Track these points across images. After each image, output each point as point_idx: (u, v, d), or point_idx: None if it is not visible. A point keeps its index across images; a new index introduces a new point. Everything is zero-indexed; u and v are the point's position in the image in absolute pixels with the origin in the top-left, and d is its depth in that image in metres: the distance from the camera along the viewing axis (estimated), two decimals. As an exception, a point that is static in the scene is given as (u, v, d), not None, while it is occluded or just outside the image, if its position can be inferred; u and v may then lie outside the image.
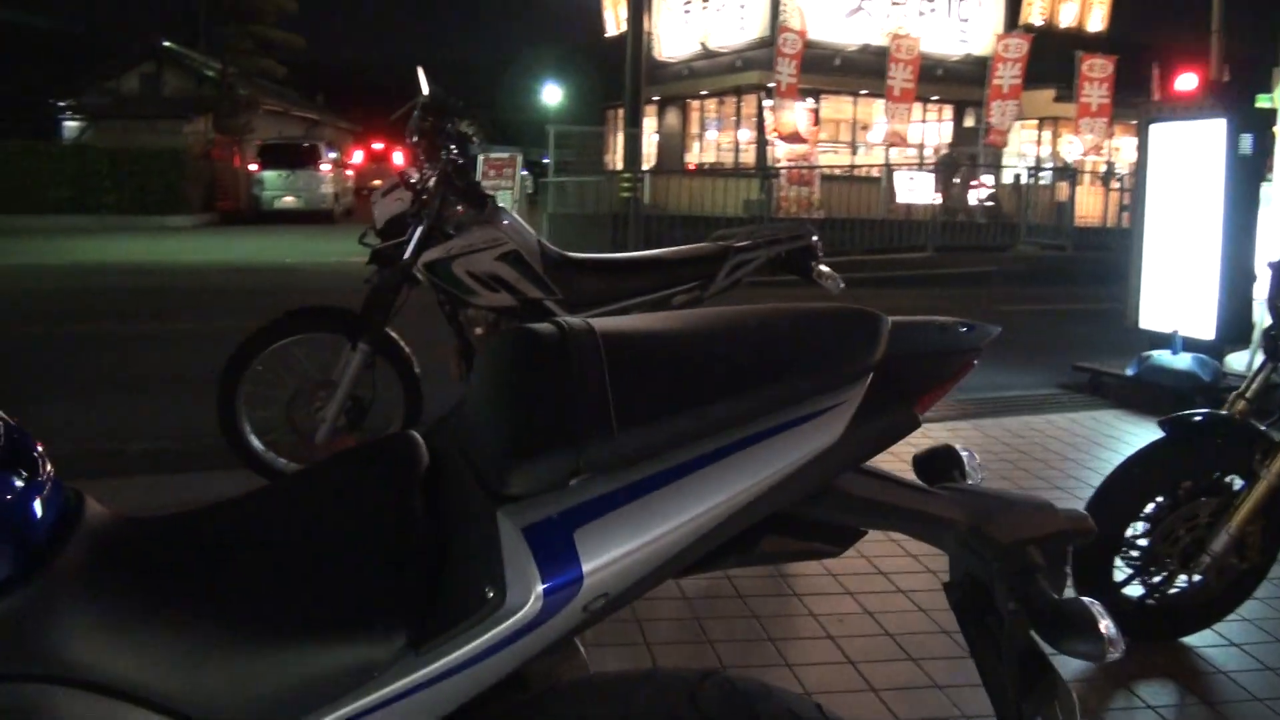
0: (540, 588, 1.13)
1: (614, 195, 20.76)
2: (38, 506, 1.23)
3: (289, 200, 30.81)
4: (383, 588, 1.20)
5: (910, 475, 1.43)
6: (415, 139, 4.98)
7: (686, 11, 32.19)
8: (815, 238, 5.01)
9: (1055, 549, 1.33)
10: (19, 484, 1.23)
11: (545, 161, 24.67)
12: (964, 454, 1.46)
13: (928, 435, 5.67)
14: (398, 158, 53.56)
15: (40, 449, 1.30)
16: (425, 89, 5.10)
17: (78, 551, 1.23)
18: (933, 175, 25.39)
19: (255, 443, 5.05)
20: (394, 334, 5.06)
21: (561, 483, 1.17)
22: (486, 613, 1.14)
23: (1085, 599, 1.28)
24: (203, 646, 1.18)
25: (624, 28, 24.70)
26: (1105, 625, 1.24)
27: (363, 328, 4.92)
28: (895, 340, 1.31)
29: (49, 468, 1.28)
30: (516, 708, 1.31)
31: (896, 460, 1.45)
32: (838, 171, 26.35)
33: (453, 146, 4.83)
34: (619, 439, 1.17)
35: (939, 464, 1.45)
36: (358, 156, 47.63)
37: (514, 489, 1.17)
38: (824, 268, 5.00)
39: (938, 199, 23.41)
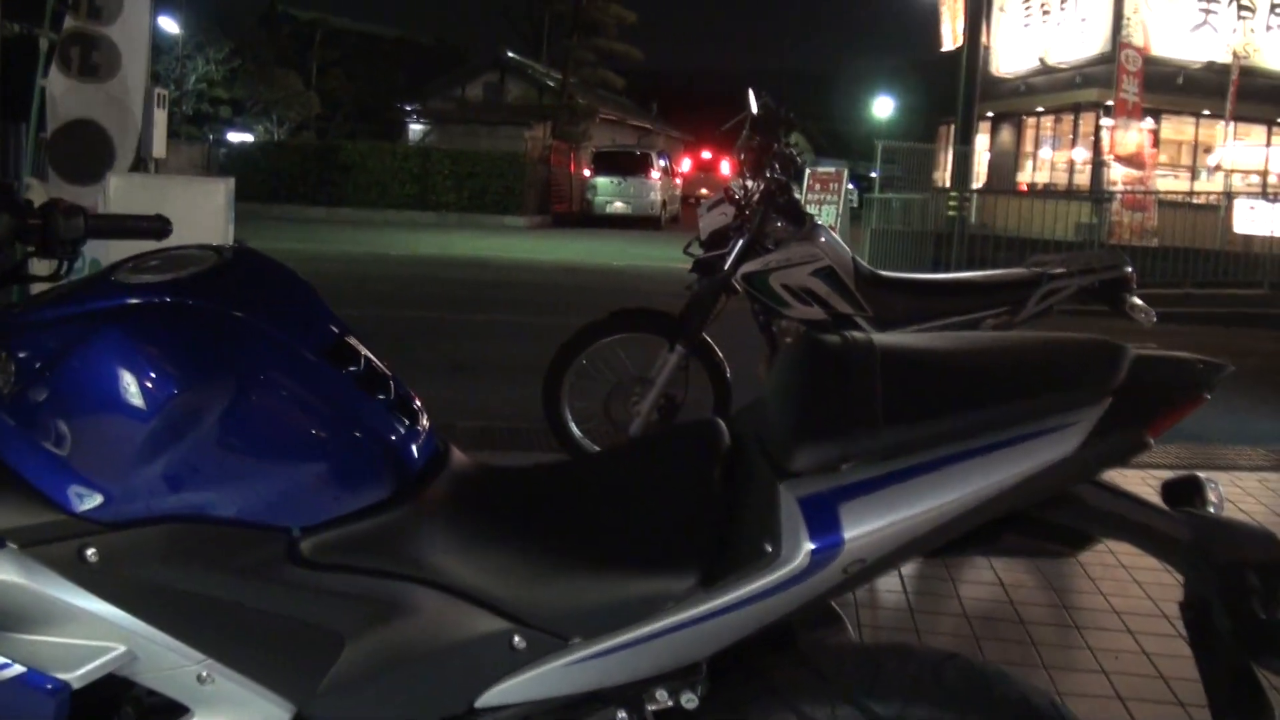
0: (809, 547, 1.37)
1: (940, 213, 20.51)
2: (414, 447, 1.60)
3: (619, 206, 31.99)
4: (682, 536, 1.47)
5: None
6: (742, 156, 5.26)
7: (1026, 25, 31.37)
8: (1129, 269, 4.93)
9: (1273, 575, 1.41)
10: (401, 429, 1.59)
11: (873, 176, 24.61)
12: (1208, 484, 1.55)
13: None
14: (725, 167, 54.79)
15: (419, 404, 1.66)
16: (754, 107, 5.36)
17: (443, 486, 1.59)
18: (1276, 205, 23.78)
19: (575, 430, 5.44)
20: (709, 339, 5.33)
21: (833, 466, 1.40)
22: (764, 564, 1.39)
23: None
24: (537, 568, 1.50)
25: (961, 41, 24.37)
26: None
27: (681, 331, 5.20)
28: (1135, 370, 1.44)
29: (425, 419, 1.65)
30: (786, 658, 1.56)
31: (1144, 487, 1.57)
32: (1176, 197, 25.06)
33: (777, 165, 5.08)
34: (884, 434, 1.39)
35: (1183, 490, 1.55)
36: (686, 165, 48.79)
37: (794, 467, 1.41)
38: (1136, 300, 4.91)
39: (1280, 231, 21.84)
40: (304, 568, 1.49)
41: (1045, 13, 30.67)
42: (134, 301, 1.52)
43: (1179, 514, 1.49)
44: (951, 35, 33.63)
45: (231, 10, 37.57)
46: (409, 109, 40.07)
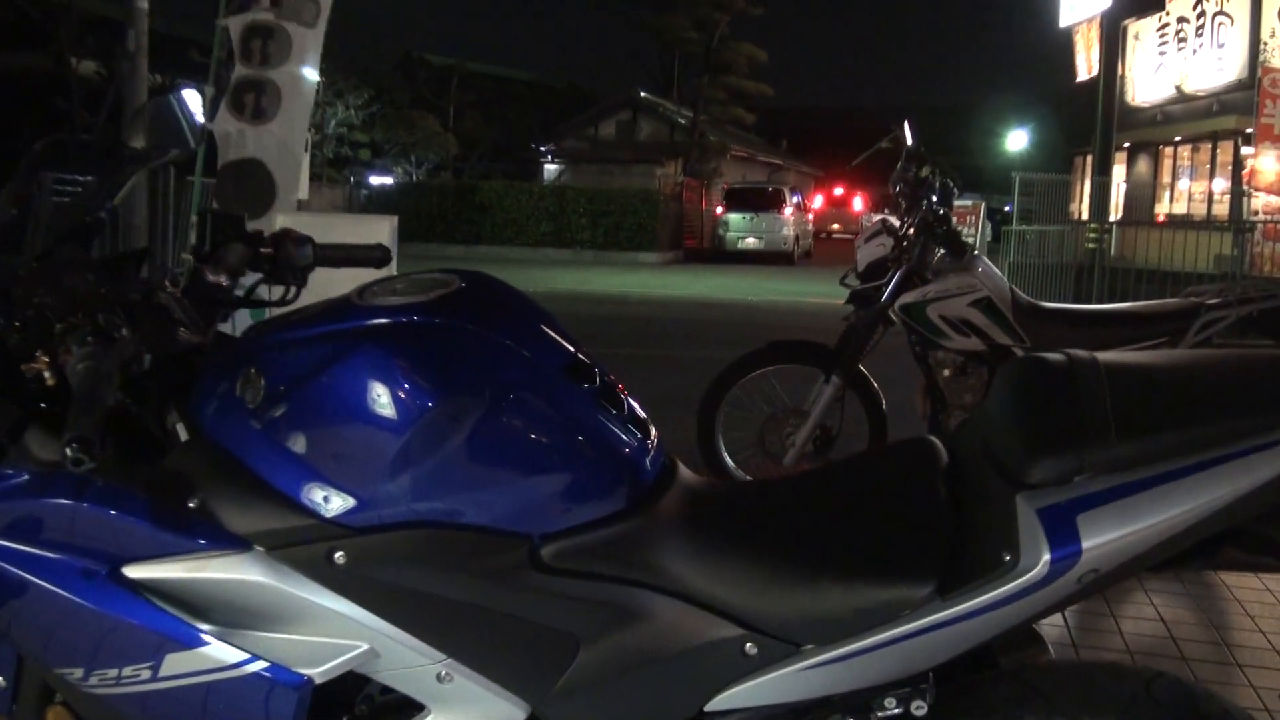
0: (1048, 556, 1.40)
1: (1077, 245, 20.09)
2: (647, 460, 1.65)
3: (751, 241, 31.94)
4: (917, 547, 1.51)
5: None
6: (898, 188, 5.26)
7: (1161, 53, 30.61)
8: None
9: None
10: (635, 442, 1.65)
11: (1007, 210, 24.24)
12: None
13: None
14: (857, 203, 54.47)
15: (649, 422, 1.72)
16: (910, 139, 5.38)
17: (675, 497, 1.64)
18: None
19: (728, 460, 5.48)
20: (865, 371, 5.33)
21: (1068, 478, 1.43)
22: (1003, 572, 1.43)
23: None
24: (772, 576, 1.55)
25: (1095, 71, 23.92)
26: None
27: (837, 362, 5.21)
28: None
29: (654, 434, 1.70)
30: (999, 675, 1.60)
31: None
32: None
33: (934, 196, 5.07)
34: (1117, 448, 1.42)
35: None
36: (817, 201, 48.59)
37: (1031, 479, 1.44)
38: (1297, 331, 4.81)
39: None
40: (544, 573, 1.55)
41: (1181, 40, 29.87)
42: (389, 321, 1.59)
43: None
44: (1086, 66, 33.01)
45: (369, 59, 38.59)
46: (543, 149, 40.69)
